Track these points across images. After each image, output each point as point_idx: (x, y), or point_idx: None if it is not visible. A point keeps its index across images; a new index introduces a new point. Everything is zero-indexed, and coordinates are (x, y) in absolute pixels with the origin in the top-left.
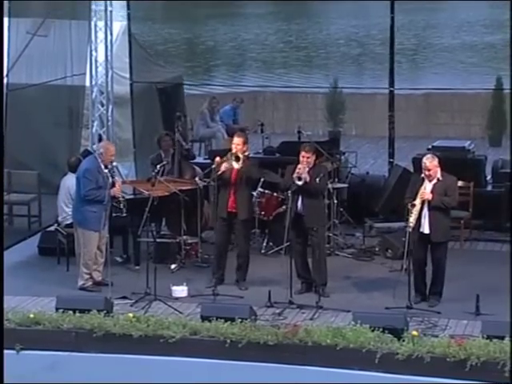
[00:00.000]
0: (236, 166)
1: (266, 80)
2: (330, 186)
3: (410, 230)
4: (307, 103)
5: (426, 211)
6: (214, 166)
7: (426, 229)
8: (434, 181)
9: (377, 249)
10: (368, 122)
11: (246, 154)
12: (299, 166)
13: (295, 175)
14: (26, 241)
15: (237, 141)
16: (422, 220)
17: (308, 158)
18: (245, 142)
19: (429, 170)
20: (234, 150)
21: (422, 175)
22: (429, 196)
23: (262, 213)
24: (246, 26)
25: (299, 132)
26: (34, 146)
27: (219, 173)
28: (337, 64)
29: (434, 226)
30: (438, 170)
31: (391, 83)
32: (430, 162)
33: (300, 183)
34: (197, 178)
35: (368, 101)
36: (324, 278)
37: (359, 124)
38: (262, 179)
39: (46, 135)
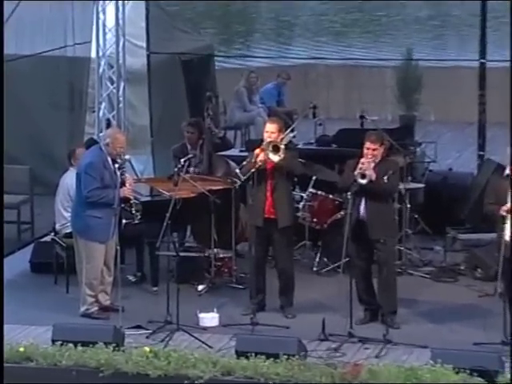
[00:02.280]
0: (274, 158)
1: (318, 50)
2: (401, 186)
3: (508, 242)
4: (372, 80)
5: None
6: (247, 160)
7: None
8: None
9: (462, 267)
10: (451, 103)
11: (284, 143)
12: (362, 160)
13: (357, 172)
14: (14, 254)
15: (270, 128)
16: None
17: (374, 150)
18: (280, 129)
19: None
20: (267, 140)
21: (507, 172)
22: None
23: (314, 220)
24: None
25: (362, 117)
26: (25, 133)
27: (255, 168)
28: (404, 29)
29: None
30: None
31: (482, 54)
32: None
33: (364, 182)
34: (237, 170)
35: (451, 76)
36: (393, 304)
37: (440, 106)
38: (315, 177)
39: (40, 120)
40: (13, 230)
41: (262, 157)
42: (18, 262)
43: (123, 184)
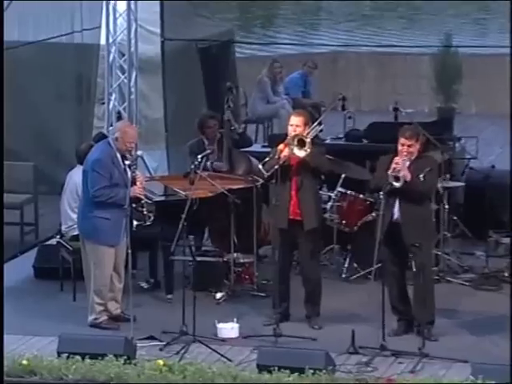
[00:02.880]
0: (300, 154)
1: (348, 36)
2: (439, 185)
3: None
4: (407, 69)
5: None
6: (270, 156)
7: None
8: None
9: (506, 274)
10: (494, 94)
11: (311, 138)
12: (397, 158)
13: (391, 172)
14: (17, 258)
15: (295, 121)
16: None
17: (409, 146)
18: (306, 123)
19: None
20: (292, 134)
21: None
22: None
23: (343, 222)
24: None
25: (396, 109)
26: (28, 127)
27: (279, 164)
28: (441, 13)
29: None
30: None
31: None
32: None
33: (398, 185)
34: (260, 166)
35: (494, 65)
36: (430, 314)
37: (481, 98)
38: (344, 175)
39: (45, 112)
40: (15, 232)
41: (286, 152)
42: (21, 267)
43: (133, 182)
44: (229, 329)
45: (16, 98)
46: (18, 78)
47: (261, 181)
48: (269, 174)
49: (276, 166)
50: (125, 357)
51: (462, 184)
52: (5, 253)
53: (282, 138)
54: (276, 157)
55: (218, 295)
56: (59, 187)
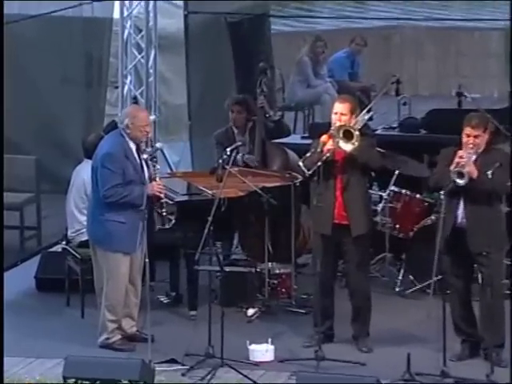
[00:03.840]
0: (346, 147)
1: (404, 8)
2: (510, 182)
3: None
4: (473, 46)
5: None
6: (312, 150)
7: None
8: None
9: None
10: None
11: (359, 128)
12: (461, 152)
13: (454, 167)
14: (16, 268)
15: (340, 108)
16: None
17: (476, 137)
18: (353, 110)
19: None
20: (337, 124)
21: None
22: None
23: (397, 226)
24: None
25: (460, 94)
26: (30, 114)
27: (321, 160)
28: None
29: None
30: None
31: None
32: None
33: (462, 183)
34: (300, 163)
35: None
36: (500, 336)
37: None
38: (398, 172)
39: (49, 98)
40: (14, 238)
41: (330, 145)
42: (21, 278)
43: (151, 179)
44: (263, 351)
45: (16, 81)
46: (19, 57)
47: (300, 178)
48: (310, 172)
49: (319, 163)
50: (141, 383)
51: None
52: (3, 261)
53: (325, 128)
54: (318, 150)
55: (250, 311)
56: (65, 185)
